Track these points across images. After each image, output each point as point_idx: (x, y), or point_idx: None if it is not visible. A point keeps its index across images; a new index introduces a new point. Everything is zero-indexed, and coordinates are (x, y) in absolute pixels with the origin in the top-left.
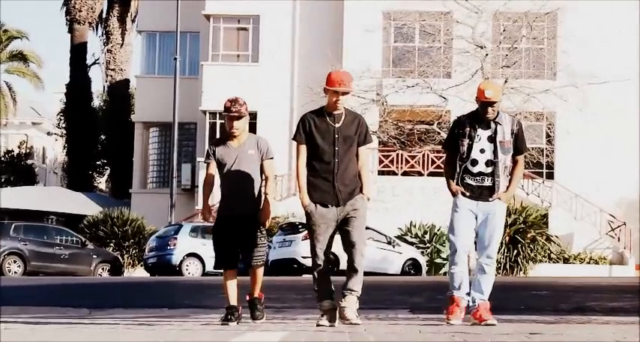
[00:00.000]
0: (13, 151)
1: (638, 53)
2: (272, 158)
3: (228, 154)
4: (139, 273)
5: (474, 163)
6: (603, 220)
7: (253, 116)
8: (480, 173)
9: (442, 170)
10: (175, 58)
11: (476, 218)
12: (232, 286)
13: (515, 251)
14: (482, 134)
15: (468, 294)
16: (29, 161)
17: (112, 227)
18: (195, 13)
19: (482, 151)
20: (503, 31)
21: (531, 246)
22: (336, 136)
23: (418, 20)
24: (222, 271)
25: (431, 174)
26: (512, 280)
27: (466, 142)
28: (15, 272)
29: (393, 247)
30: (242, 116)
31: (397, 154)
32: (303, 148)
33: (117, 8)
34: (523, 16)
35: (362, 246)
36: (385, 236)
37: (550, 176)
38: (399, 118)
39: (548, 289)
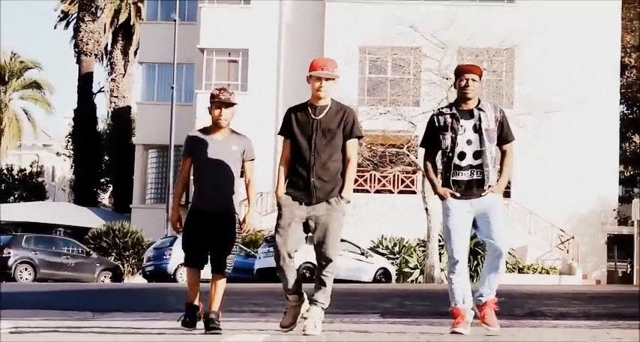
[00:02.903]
0: (25, 169)
1: (586, 85)
2: (253, 160)
3: (209, 146)
4: (138, 280)
5: (462, 156)
6: (554, 235)
7: None
8: (469, 166)
9: (411, 189)
10: (172, 87)
11: (473, 218)
12: (197, 286)
13: (475, 262)
14: (467, 124)
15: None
16: (40, 179)
17: (114, 239)
18: (190, 46)
19: (469, 142)
20: None
21: None
22: (314, 128)
23: (390, 54)
24: (209, 278)
25: (401, 192)
26: (473, 288)
27: (449, 135)
28: (26, 279)
29: (366, 257)
30: (232, 104)
31: (370, 175)
32: (286, 142)
33: (120, 42)
34: (484, 52)
35: (335, 257)
36: (359, 248)
37: (507, 194)
38: (372, 142)
39: (504, 295)
